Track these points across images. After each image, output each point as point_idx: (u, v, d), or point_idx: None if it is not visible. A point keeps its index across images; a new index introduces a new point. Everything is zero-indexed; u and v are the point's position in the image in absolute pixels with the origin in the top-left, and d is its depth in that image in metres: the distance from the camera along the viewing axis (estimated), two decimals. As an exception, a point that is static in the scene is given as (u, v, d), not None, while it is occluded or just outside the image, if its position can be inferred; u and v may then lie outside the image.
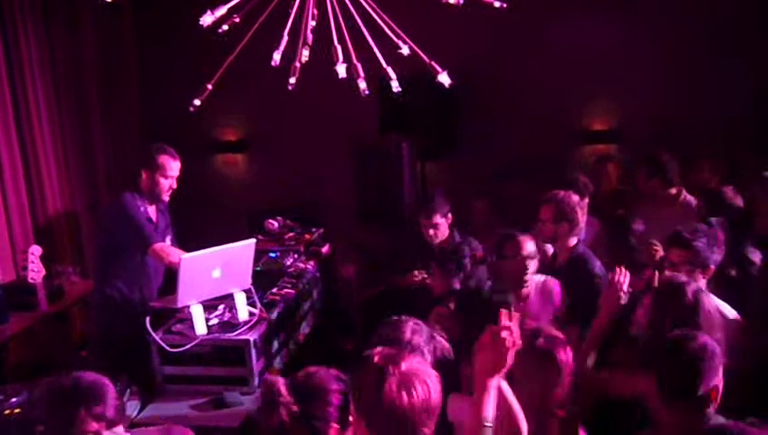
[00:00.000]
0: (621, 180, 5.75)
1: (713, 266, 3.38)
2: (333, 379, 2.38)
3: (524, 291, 3.79)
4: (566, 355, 2.62)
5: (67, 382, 2.32)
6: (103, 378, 2.36)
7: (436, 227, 4.67)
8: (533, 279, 3.84)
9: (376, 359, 2.11)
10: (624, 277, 3.30)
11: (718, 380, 2.41)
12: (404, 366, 2.06)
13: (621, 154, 6.42)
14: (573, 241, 4.12)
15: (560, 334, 2.72)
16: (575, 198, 4.13)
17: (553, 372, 2.58)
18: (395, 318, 2.81)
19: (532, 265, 3.78)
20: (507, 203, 5.68)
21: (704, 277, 3.37)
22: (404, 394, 2.01)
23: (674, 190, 5.03)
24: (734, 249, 3.84)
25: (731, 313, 3.27)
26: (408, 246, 4.99)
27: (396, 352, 2.17)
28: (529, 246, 3.79)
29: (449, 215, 4.74)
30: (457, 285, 3.97)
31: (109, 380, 2.37)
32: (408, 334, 2.69)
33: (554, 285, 3.85)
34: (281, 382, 2.42)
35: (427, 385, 2.05)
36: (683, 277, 3.05)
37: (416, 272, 4.67)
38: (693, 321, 2.78)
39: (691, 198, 4.99)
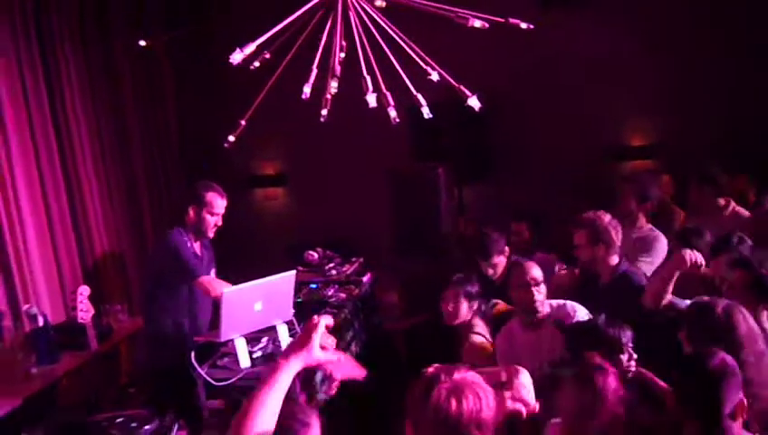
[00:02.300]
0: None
1: None
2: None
3: (539, 316, 3.82)
4: (605, 382, 2.57)
5: None
6: None
7: (494, 266, 4.66)
8: (550, 304, 3.86)
9: (430, 370, 2.08)
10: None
11: (739, 395, 2.37)
12: (457, 376, 2.02)
13: (660, 169, 6.32)
14: (615, 260, 4.06)
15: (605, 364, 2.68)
16: (607, 217, 4.07)
17: (589, 398, 2.54)
18: None
19: (539, 290, 3.79)
20: (548, 224, 5.64)
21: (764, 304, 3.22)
22: (453, 401, 1.95)
23: (722, 201, 4.97)
24: None
25: None
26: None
27: (451, 366, 2.12)
28: (534, 271, 3.81)
29: (506, 249, 4.71)
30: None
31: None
32: None
33: (571, 309, 3.84)
34: None
35: (479, 397, 1.98)
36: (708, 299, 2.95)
37: None
38: (730, 339, 2.69)
39: (741, 209, 4.93)
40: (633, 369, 3.18)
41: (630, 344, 3.16)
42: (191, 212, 4.34)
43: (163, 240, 4.41)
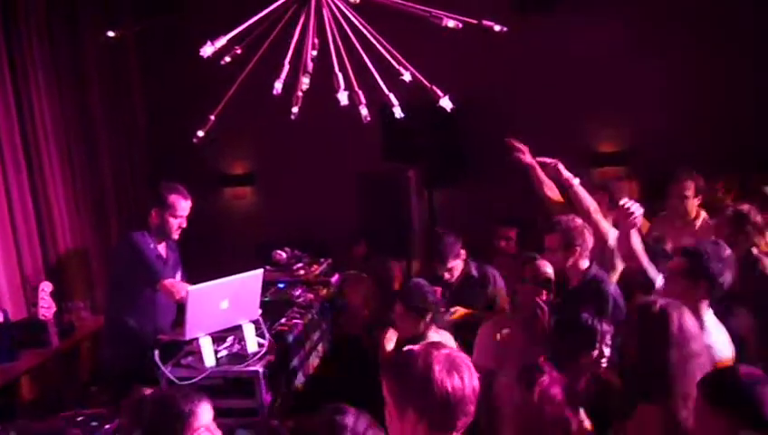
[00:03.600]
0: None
1: (709, 282, 3.23)
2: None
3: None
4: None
5: None
6: None
7: (450, 270, 4.66)
8: None
9: (416, 349, 2.13)
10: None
11: None
12: (445, 351, 2.10)
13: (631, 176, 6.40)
14: (585, 264, 4.07)
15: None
16: (579, 221, 4.09)
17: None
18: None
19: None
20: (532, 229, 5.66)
21: (703, 297, 3.25)
22: (455, 375, 2.03)
23: (695, 212, 5.03)
24: None
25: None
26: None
27: (432, 344, 2.18)
28: (549, 269, 3.82)
29: (462, 252, 4.70)
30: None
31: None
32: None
33: None
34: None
35: (470, 369, 2.08)
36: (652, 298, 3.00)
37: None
38: (662, 336, 2.71)
39: (708, 218, 4.98)
40: (603, 365, 3.20)
41: (607, 341, 3.18)
42: (154, 215, 4.29)
43: (124, 243, 4.35)
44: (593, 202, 4.26)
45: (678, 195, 5.03)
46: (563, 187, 4.34)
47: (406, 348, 2.19)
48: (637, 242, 3.72)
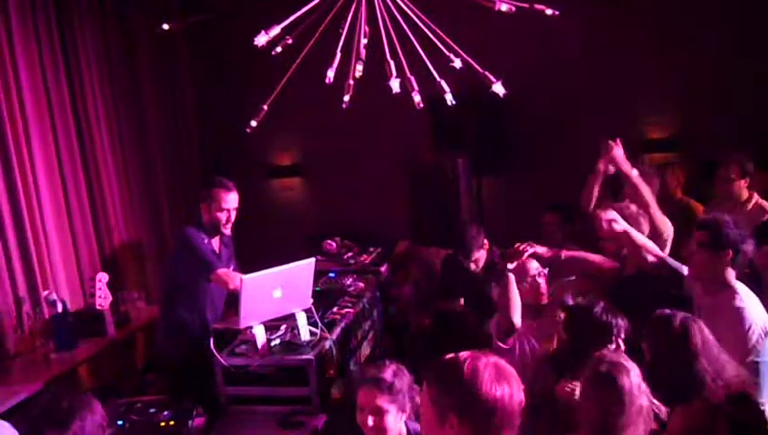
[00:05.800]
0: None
1: (732, 250, 3.30)
2: None
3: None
4: (629, 381, 2.54)
5: None
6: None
7: (476, 261, 4.69)
8: None
9: (462, 355, 2.01)
10: None
11: None
12: (492, 359, 1.99)
13: (682, 162, 6.26)
14: None
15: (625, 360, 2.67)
16: (634, 207, 4.02)
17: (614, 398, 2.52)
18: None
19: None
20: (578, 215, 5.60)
21: (728, 265, 3.31)
22: (504, 385, 1.93)
23: (746, 193, 4.91)
24: None
25: None
26: (451, 273, 4.97)
27: (482, 352, 2.07)
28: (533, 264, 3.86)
29: (485, 242, 4.74)
30: None
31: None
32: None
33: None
34: None
35: (518, 381, 1.98)
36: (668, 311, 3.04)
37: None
38: (686, 347, 2.83)
39: (764, 202, 4.86)
40: None
41: (622, 335, 3.15)
42: (203, 210, 4.35)
43: (179, 237, 4.42)
44: (651, 196, 4.21)
45: (724, 177, 4.93)
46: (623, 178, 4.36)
47: (450, 356, 2.05)
48: (638, 236, 3.81)
